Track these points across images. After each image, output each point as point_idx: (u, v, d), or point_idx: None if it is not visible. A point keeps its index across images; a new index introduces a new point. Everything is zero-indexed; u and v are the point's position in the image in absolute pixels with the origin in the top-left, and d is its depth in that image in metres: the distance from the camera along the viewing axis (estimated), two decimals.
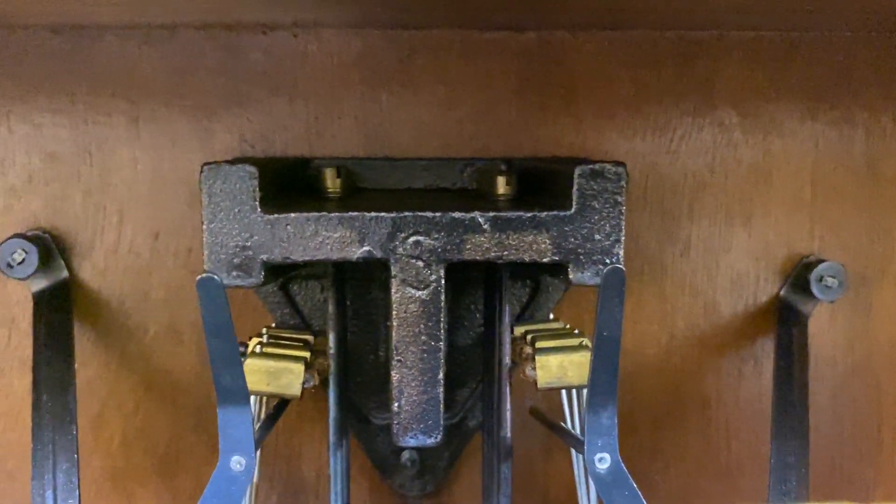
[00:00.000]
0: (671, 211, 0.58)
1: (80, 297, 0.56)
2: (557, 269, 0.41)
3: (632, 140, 0.57)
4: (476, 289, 0.54)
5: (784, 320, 0.57)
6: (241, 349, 0.50)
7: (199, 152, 0.56)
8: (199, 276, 0.36)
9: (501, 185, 0.46)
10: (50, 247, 0.55)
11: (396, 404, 0.40)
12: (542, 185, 0.48)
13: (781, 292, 0.59)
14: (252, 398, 0.47)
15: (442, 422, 0.40)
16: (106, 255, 0.56)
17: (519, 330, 0.50)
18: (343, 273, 0.50)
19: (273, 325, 0.56)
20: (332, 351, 0.47)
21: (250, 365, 0.44)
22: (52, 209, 0.56)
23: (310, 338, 0.51)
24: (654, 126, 0.57)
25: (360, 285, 0.55)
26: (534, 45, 0.56)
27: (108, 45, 0.55)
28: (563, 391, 0.54)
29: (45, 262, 0.54)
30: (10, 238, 0.53)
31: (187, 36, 0.55)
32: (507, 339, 0.48)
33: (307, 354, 0.47)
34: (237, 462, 0.38)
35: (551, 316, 0.56)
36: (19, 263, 0.53)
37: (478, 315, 0.56)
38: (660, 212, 0.58)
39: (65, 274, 0.56)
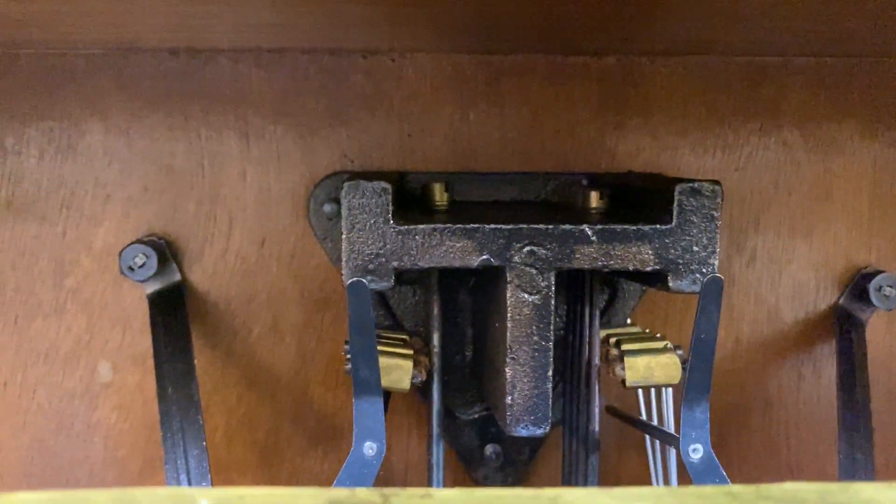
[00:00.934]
0: (738, 224, 0.62)
1: (190, 298, 0.61)
2: (655, 277, 0.45)
3: (703, 157, 0.61)
4: (560, 295, 0.59)
5: (844, 327, 0.61)
6: (346, 347, 0.55)
7: (302, 166, 0.60)
8: (350, 280, 0.40)
9: (595, 200, 0.51)
10: (165, 252, 0.60)
11: (509, 398, 0.44)
12: (629, 199, 0.52)
13: (840, 301, 0.63)
14: None
15: (550, 414, 0.45)
16: (215, 260, 0.61)
17: (602, 333, 0.54)
18: (441, 280, 0.55)
19: None
20: (436, 349, 0.52)
21: None
22: (166, 217, 0.60)
23: (406, 337, 0.55)
24: (723, 144, 0.61)
25: (449, 291, 0.59)
26: (613, 69, 0.60)
27: (221, 67, 0.60)
28: (640, 392, 0.58)
29: (162, 266, 0.58)
30: (131, 244, 0.58)
31: (294, 59, 0.60)
32: (596, 341, 0.52)
33: (412, 352, 0.51)
34: (370, 447, 0.43)
35: (628, 321, 0.60)
36: (140, 267, 0.58)
37: (559, 319, 0.60)
38: (728, 225, 0.62)
39: (177, 277, 0.60)
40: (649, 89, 0.61)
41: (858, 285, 0.62)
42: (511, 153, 0.61)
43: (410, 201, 0.56)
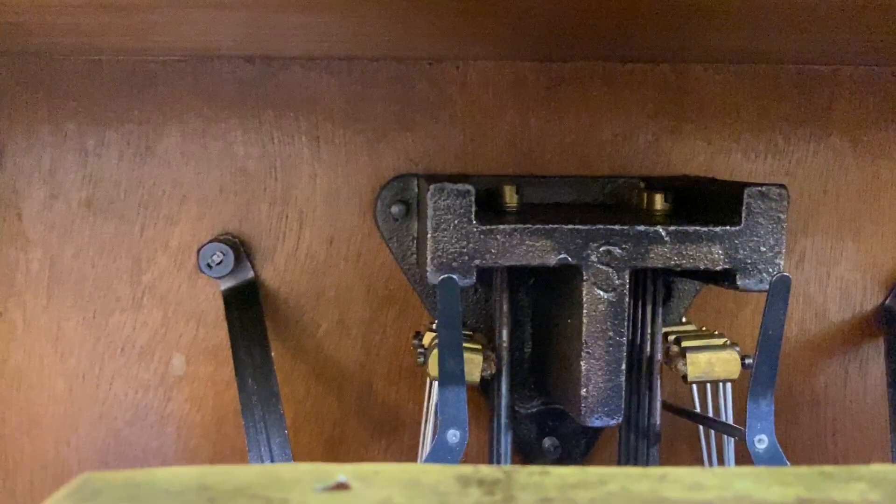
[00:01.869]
0: (788, 226, 0.64)
1: (262, 294, 0.64)
2: (724, 276, 0.47)
3: (754, 161, 0.64)
4: None
5: (892, 327, 0.63)
6: (415, 341, 0.57)
7: (369, 169, 0.63)
8: (442, 277, 0.43)
9: (660, 202, 0.53)
10: (240, 250, 0.62)
11: (584, 390, 0.47)
12: (692, 201, 0.54)
13: (887, 301, 0.65)
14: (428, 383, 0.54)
15: (622, 405, 0.47)
16: (286, 258, 0.64)
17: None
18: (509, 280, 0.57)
19: (430, 322, 0.63)
20: (504, 344, 0.54)
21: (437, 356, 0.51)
22: (240, 217, 0.63)
23: (471, 333, 0.58)
24: (774, 150, 0.64)
25: (509, 291, 0.62)
26: (669, 76, 0.63)
27: (294, 74, 0.62)
28: (695, 387, 0.60)
29: (237, 263, 0.61)
30: (209, 242, 0.61)
31: (363, 67, 0.62)
32: (658, 337, 0.54)
33: (481, 347, 0.54)
34: (453, 435, 0.45)
35: (683, 319, 0.62)
36: (218, 264, 0.61)
37: None
38: None
39: (251, 274, 0.63)
40: (703, 96, 0.63)
41: None
42: (569, 157, 0.63)
43: (478, 203, 0.59)
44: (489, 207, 0.56)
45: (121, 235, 0.63)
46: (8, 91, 0.61)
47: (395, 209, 0.62)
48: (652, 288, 0.54)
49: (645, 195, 0.55)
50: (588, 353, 0.46)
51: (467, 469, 0.30)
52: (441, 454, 0.45)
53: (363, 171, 0.63)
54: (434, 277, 0.44)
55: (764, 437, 0.46)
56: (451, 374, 0.44)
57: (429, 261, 0.45)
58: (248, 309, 0.60)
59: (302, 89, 0.62)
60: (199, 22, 0.50)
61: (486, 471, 0.30)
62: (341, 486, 0.29)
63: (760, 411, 0.46)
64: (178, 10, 0.44)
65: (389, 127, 0.63)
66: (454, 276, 0.43)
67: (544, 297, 0.59)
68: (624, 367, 0.46)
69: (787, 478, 0.29)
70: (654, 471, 0.30)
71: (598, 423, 0.47)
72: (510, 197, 0.54)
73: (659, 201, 0.53)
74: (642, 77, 0.63)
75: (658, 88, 0.63)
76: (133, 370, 0.64)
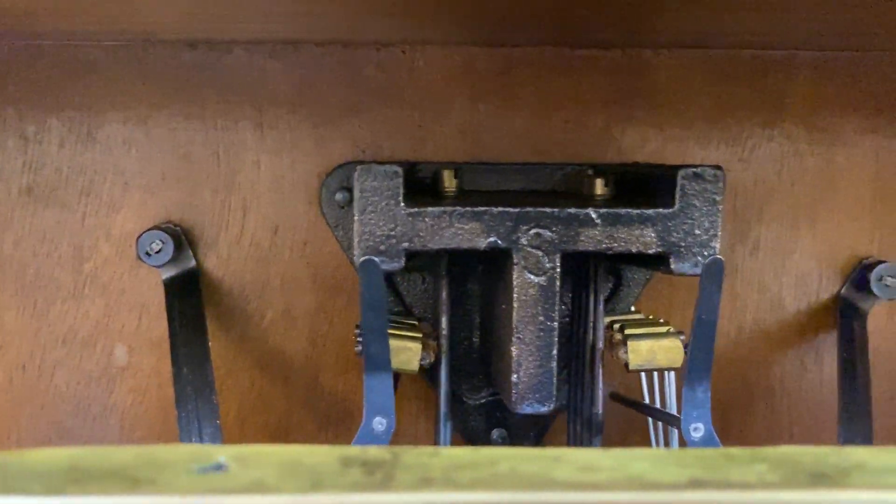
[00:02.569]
0: (742, 214, 0.63)
1: (206, 284, 0.62)
2: (658, 260, 0.46)
3: (707, 148, 0.63)
4: (565, 282, 0.60)
5: (846, 317, 0.62)
6: (357, 331, 0.56)
7: (315, 156, 0.62)
8: (362, 259, 0.42)
9: (600, 187, 0.52)
10: (181, 238, 0.61)
11: (515, 376, 0.45)
12: (634, 186, 0.53)
13: (842, 291, 0.64)
14: None
15: (554, 392, 0.46)
16: (230, 247, 0.62)
17: (606, 320, 0.56)
18: (450, 266, 0.56)
19: None
20: (444, 332, 0.53)
21: None
22: (183, 205, 0.62)
23: (416, 322, 0.57)
24: (728, 136, 0.63)
25: (458, 279, 0.61)
26: (621, 62, 0.62)
27: (237, 59, 0.61)
28: (643, 376, 0.59)
29: (178, 252, 0.60)
30: (149, 230, 0.59)
31: (309, 51, 0.61)
32: (600, 326, 0.53)
33: (421, 335, 0.52)
34: (379, 423, 0.44)
35: (632, 308, 0.61)
36: (157, 252, 0.59)
37: (564, 307, 0.61)
38: (732, 215, 0.63)
39: (192, 263, 0.62)
40: (655, 81, 0.62)
41: (860, 275, 0.63)
42: (520, 144, 0.62)
43: (421, 190, 0.57)
44: (432, 193, 0.55)
45: (62, 223, 0.62)
46: None
47: (340, 196, 0.61)
48: (594, 274, 0.53)
49: (589, 181, 0.54)
50: (519, 338, 0.45)
51: (355, 450, 0.29)
52: (366, 441, 0.44)
53: (309, 158, 0.62)
54: (356, 261, 0.43)
55: (700, 425, 0.45)
56: (375, 360, 0.43)
57: (356, 244, 0.44)
58: (188, 298, 0.59)
59: (246, 74, 0.61)
60: (116, 1, 0.49)
61: (373, 452, 0.28)
62: (220, 468, 0.28)
63: (696, 399, 0.45)
64: None
65: (336, 113, 0.62)
66: (375, 259, 0.42)
67: (491, 284, 0.57)
68: (556, 352, 0.45)
69: (688, 460, 0.28)
70: (551, 452, 0.29)
71: (529, 410, 0.45)
72: (449, 181, 0.53)
73: (599, 186, 0.52)
74: (594, 63, 0.62)
75: (610, 74, 0.62)
76: (75, 361, 0.63)
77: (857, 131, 0.63)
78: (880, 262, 0.62)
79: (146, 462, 0.28)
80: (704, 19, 0.53)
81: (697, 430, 0.45)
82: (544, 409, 0.46)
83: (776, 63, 0.62)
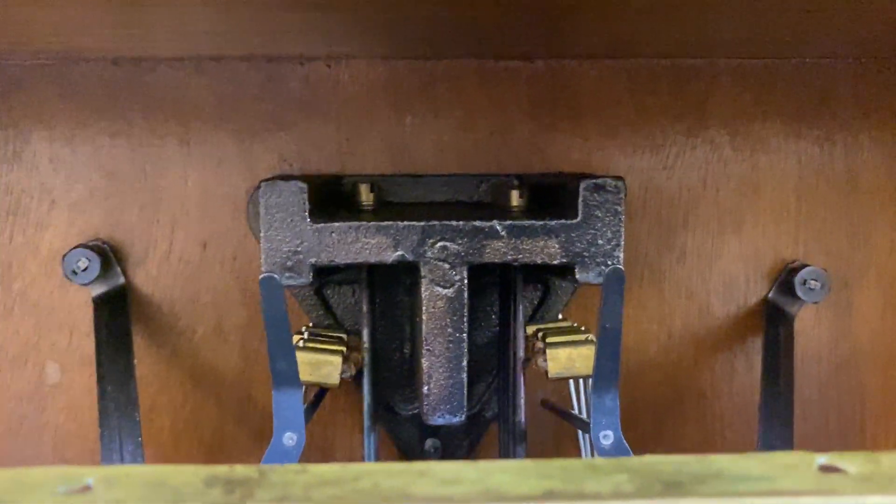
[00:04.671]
0: (668, 221, 0.64)
1: (135, 300, 0.62)
2: (565, 271, 0.46)
3: (632, 157, 0.63)
4: (492, 293, 0.60)
5: (772, 320, 0.63)
6: None
7: (242, 170, 0.62)
8: (262, 275, 0.42)
9: (515, 198, 0.52)
10: (109, 255, 0.61)
11: (426, 387, 0.46)
12: (551, 197, 0.54)
13: (769, 295, 0.65)
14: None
15: (465, 403, 0.46)
16: (159, 263, 0.62)
17: (531, 329, 0.56)
18: (374, 278, 0.56)
19: (310, 324, 0.62)
20: (366, 345, 0.53)
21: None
22: (110, 222, 0.62)
23: (343, 335, 0.57)
24: (652, 144, 0.63)
25: (387, 290, 0.61)
26: (544, 73, 0.62)
27: (162, 75, 0.61)
28: (572, 383, 0.60)
29: (105, 269, 0.60)
30: (74, 248, 0.59)
31: (233, 66, 0.61)
32: (521, 335, 0.53)
33: (343, 349, 0.53)
34: (289, 438, 0.44)
35: (560, 317, 0.62)
36: (83, 270, 0.59)
37: (493, 317, 0.62)
38: (657, 222, 0.64)
39: (121, 280, 0.62)
40: (578, 91, 0.63)
41: (786, 279, 0.63)
42: (446, 156, 0.63)
43: (342, 203, 0.58)
44: (350, 207, 0.56)
45: None
46: None
47: None
48: (515, 286, 0.53)
49: (508, 192, 0.55)
50: (429, 349, 0.45)
51: (222, 469, 0.29)
52: (277, 458, 0.44)
53: (236, 173, 0.62)
54: (260, 277, 0.43)
55: (609, 432, 0.45)
56: (283, 376, 0.44)
57: (262, 259, 0.45)
58: (114, 315, 0.59)
59: (171, 90, 0.61)
60: (42, 21, 0.49)
61: (240, 470, 0.29)
62: (86, 489, 0.28)
63: (605, 406, 0.45)
64: (31, 6, 0.43)
65: (262, 127, 0.62)
66: (276, 276, 0.42)
67: (414, 296, 0.58)
68: (465, 363, 0.46)
69: (551, 471, 0.29)
70: (417, 466, 0.29)
71: (440, 421, 0.46)
72: (366, 196, 0.53)
73: (515, 197, 0.52)
74: (517, 74, 0.62)
75: (533, 85, 0.62)
76: (5, 380, 0.63)
77: (779, 136, 0.64)
78: (805, 265, 0.63)
79: (15, 484, 0.28)
80: (624, 30, 0.54)
81: (607, 438, 0.46)
82: (455, 420, 0.46)
83: (697, 71, 0.63)
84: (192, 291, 0.63)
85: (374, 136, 0.62)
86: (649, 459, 0.30)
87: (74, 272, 0.59)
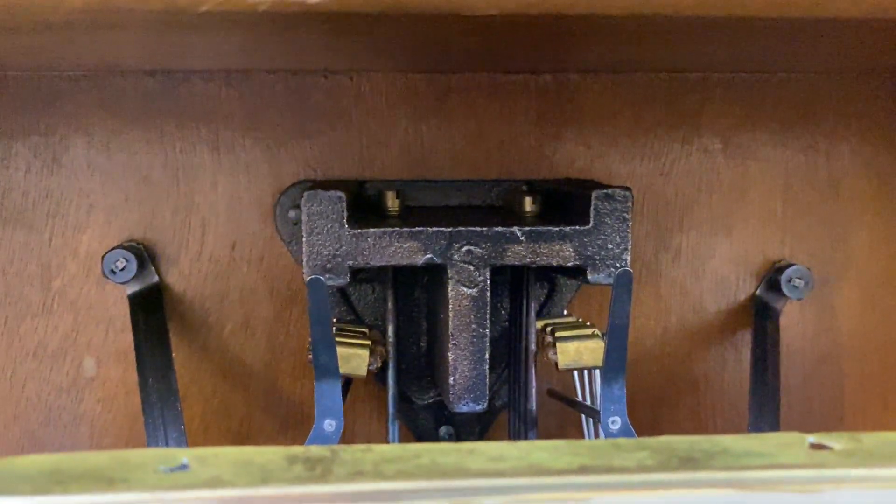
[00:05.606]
0: (664, 223, 0.69)
1: (168, 298, 0.67)
2: (577, 271, 0.51)
3: (631, 163, 0.68)
4: (503, 291, 0.65)
5: (760, 316, 0.68)
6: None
7: (269, 177, 0.66)
8: (308, 278, 0.46)
9: (528, 204, 0.57)
10: (144, 256, 0.65)
11: (452, 378, 0.51)
12: (561, 203, 0.58)
13: (757, 292, 0.70)
14: None
15: (487, 392, 0.51)
16: (190, 263, 0.67)
17: (540, 323, 0.61)
18: (397, 278, 0.61)
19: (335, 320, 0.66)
20: (391, 339, 0.58)
21: None
22: (145, 224, 0.66)
23: (366, 330, 0.61)
24: (650, 152, 0.68)
25: (405, 289, 0.66)
26: (550, 86, 0.67)
27: (194, 86, 0.65)
28: (576, 374, 0.65)
29: (141, 268, 0.64)
30: (112, 249, 0.64)
31: (260, 79, 0.65)
32: (532, 329, 0.58)
33: (369, 343, 0.57)
34: (329, 424, 0.49)
35: (565, 312, 0.67)
36: (121, 270, 0.63)
37: (503, 312, 0.67)
38: (655, 224, 0.69)
39: (155, 279, 0.66)
40: (582, 103, 0.67)
41: (773, 277, 0.69)
42: (459, 162, 0.67)
43: (367, 207, 0.62)
44: (376, 211, 0.60)
45: (30, 244, 0.66)
46: None
47: (293, 214, 0.66)
48: (526, 284, 0.58)
49: (520, 197, 0.59)
50: (455, 344, 0.50)
51: (299, 450, 0.33)
52: (318, 442, 0.49)
53: (263, 179, 0.66)
54: (305, 279, 0.48)
55: (617, 418, 0.50)
56: (324, 368, 0.48)
57: (304, 263, 0.49)
58: (151, 312, 0.63)
59: (202, 101, 0.65)
60: (87, 42, 0.53)
61: (315, 450, 0.33)
62: (184, 467, 0.32)
63: (613, 395, 0.50)
64: (80, 33, 0.47)
65: (288, 136, 0.66)
66: (321, 277, 0.46)
67: (432, 294, 0.62)
68: (487, 356, 0.50)
69: (581, 450, 0.33)
70: (466, 446, 0.34)
71: (465, 409, 0.50)
72: (392, 202, 0.58)
73: (528, 203, 0.57)
74: (525, 87, 0.67)
75: (540, 97, 0.67)
76: (45, 373, 0.67)
77: (768, 145, 0.69)
78: (790, 265, 0.68)
79: (119, 464, 0.32)
80: (624, 50, 0.59)
81: (615, 423, 0.50)
82: (479, 408, 0.51)
83: (691, 84, 0.68)
84: (221, 289, 0.67)
85: (393, 145, 0.67)
86: (665, 439, 0.34)
87: (113, 271, 0.63)
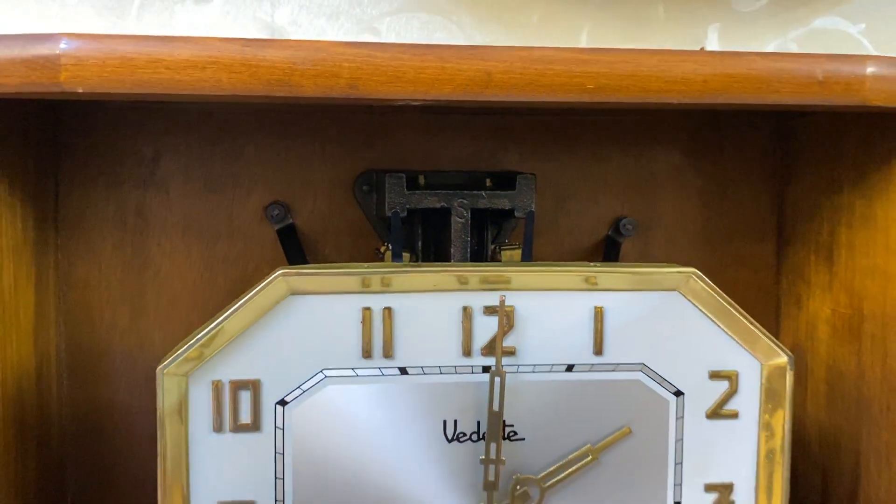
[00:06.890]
0: (558, 195, 1.29)
1: (299, 233, 1.25)
2: (510, 213, 1.11)
3: (540, 163, 1.28)
4: (475, 227, 1.25)
5: (608, 247, 1.28)
6: (377, 250, 1.20)
7: (350, 166, 1.25)
8: (390, 213, 1.06)
9: (488, 182, 1.17)
10: (286, 208, 1.23)
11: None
12: (504, 181, 1.18)
13: (609, 233, 1.30)
14: None
15: None
16: (308, 213, 1.25)
17: (492, 247, 1.20)
18: (423, 217, 1.20)
19: (383, 244, 1.25)
20: (419, 251, 1.18)
21: None
22: (285, 191, 1.24)
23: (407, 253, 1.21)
24: (551, 157, 1.28)
25: (427, 223, 1.25)
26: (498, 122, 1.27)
27: (300, 116, 1.24)
28: None
29: (285, 216, 1.22)
30: (270, 203, 1.21)
31: (343, 115, 1.24)
32: (488, 249, 1.18)
33: (408, 253, 1.16)
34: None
35: (506, 241, 1.27)
36: (275, 215, 1.21)
37: (475, 241, 1.26)
38: (552, 196, 1.29)
39: (291, 221, 1.24)
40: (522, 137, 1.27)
41: (615, 223, 1.29)
42: (458, 161, 1.27)
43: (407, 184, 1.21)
44: (414, 186, 1.20)
45: (223, 202, 1.23)
46: None
47: (365, 188, 1.25)
48: (486, 223, 1.18)
49: (485, 178, 1.19)
50: (453, 250, 1.10)
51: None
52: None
53: (347, 168, 1.25)
54: (388, 213, 1.07)
55: None
56: (396, 253, 1.07)
57: (386, 206, 1.08)
58: (289, 239, 1.21)
59: (311, 123, 1.24)
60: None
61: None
62: None
63: None
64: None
65: (360, 145, 1.25)
66: (397, 210, 1.06)
67: (440, 228, 1.22)
68: (469, 257, 1.10)
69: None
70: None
71: None
72: (422, 180, 1.17)
73: (488, 182, 1.17)
74: (480, 120, 1.27)
75: (492, 133, 1.27)
76: (231, 272, 1.25)
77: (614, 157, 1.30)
78: (625, 216, 1.29)
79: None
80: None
81: None
82: None
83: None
84: (324, 228, 1.25)
85: (418, 152, 1.26)
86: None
87: (270, 216, 1.21)
